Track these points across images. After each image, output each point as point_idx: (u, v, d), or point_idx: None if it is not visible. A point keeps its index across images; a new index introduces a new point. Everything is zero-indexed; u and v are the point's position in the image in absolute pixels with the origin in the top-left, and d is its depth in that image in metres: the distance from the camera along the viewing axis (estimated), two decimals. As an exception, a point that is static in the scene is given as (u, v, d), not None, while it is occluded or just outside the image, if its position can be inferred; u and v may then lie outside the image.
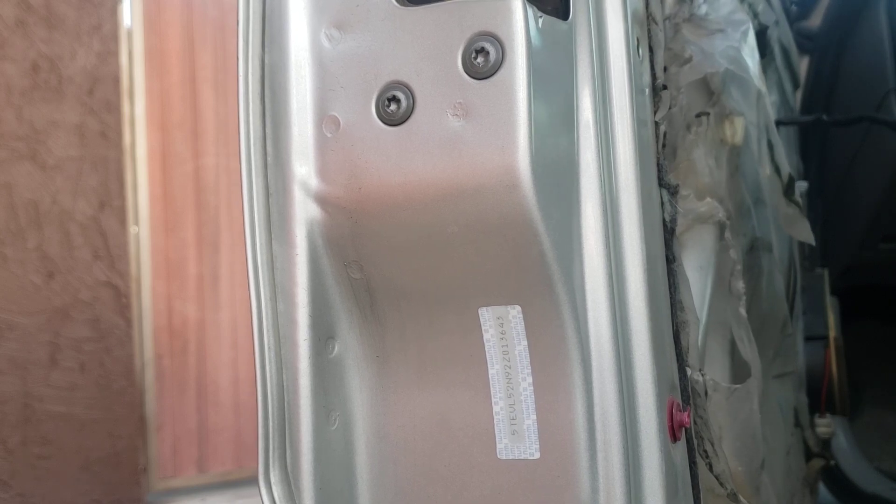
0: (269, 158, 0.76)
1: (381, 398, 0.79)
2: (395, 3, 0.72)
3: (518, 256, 0.69)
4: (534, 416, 0.72)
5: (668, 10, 1.16)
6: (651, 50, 0.85)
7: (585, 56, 0.74)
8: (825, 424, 2.42)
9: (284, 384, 0.75)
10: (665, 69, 1.11)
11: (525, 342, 0.72)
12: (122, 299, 3.73)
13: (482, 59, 0.67)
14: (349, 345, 0.78)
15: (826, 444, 2.48)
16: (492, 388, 0.74)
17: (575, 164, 0.73)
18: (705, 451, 0.91)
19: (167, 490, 4.35)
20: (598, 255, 0.73)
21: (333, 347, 0.78)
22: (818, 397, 2.41)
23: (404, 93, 0.70)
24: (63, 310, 3.53)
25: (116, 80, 3.79)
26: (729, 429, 1.04)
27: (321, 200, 0.75)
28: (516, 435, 0.73)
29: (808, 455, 2.33)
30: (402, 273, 0.75)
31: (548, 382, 0.72)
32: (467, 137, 0.68)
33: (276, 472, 0.74)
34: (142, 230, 4.23)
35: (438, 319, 0.75)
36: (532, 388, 0.72)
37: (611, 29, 0.76)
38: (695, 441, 0.89)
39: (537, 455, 0.72)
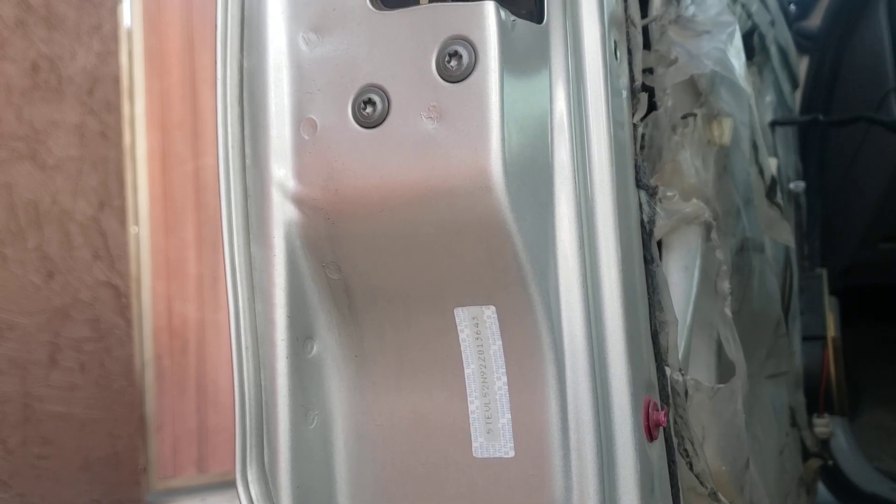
0: (247, 161, 0.77)
1: (359, 397, 0.80)
2: (371, 7, 0.73)
3: (492, 257, 0.70)
4: (508, 415, 0.74)
5: (655, 12, 1.17)
6: (630, 52, 0.86)
7: (560, 59, 0.75)
8: (823, 424, 2.43)
9: (262, 384, 0.76)
10: (652, 71, 1.13)
11: (500, 342, 0.73)
12: (122, 299, 3.74)
13: (455, 63, 0.68)
14: (328, 345, 0.80)
15: (824, 444, 2.49)
16: (467, 388, 0.75)
17: (549, 165, 0.74)
18: (685, 451, 0.92)
19: (167, 490, 4.37)
20: (572, 257, 0.74)
21: (312, 347, 0.79)
22: (816, 397, 2.42)
23: (380, 96, 0.71)
24: (63, 310, 3.54)
25: (116, 80, 3.80)
26: (713, 428, 1.05)
27: (298, 202, 0.76)
28: (491, 433, 0.74)
29: (806, 455, 2.33)
30: (380, 274, 0.76)
31: (522, 382, 0.73)
32: (441, 140, 0.69)
33: (253, 470, 0.75)
34: (142, 230, 4.24)
35: (416, 319, 0.77)
36: (506, 387, 0.73)
37: (586, 32, 0.77)
38: (675, 440, 0.90)
39: (512, 453, 0.74)
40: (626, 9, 0.85)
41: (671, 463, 0.87)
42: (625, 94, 0.84)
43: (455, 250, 0.72)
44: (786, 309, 2.08)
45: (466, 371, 0.75)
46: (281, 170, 0.76)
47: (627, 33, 0.86)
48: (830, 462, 2.59)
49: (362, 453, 0.80)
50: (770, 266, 1.69)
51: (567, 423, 0.73)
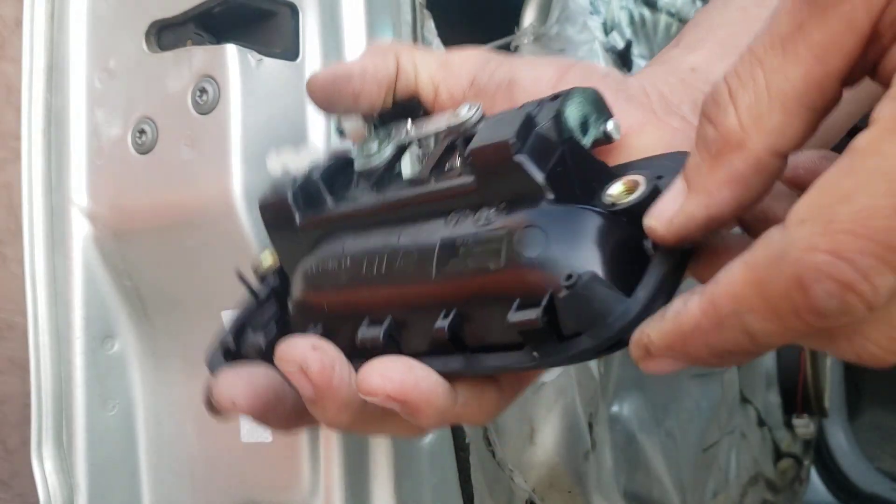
0: (53, 182, 0.95)
1: (156, 389, 0.96)
2: (147, 50, 0.90)
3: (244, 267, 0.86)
4: (267, 405, 0.89)
5: (524, 26, 1.31)
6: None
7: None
8: (803, 425, 2.50)
9: (61, 375, 0.94)
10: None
11: (260, 341, 0.88)
12: (122, 299, 3.94)
13: (205, 98, 0.84)
14: (129, 343, 0.96)
15: (807, 444, 2.56)
16: None
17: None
18: (487, 440, 1.06)
19: (168, 490, 4.56)
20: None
21: (113, 345, 0.96)
22: (793, 397, 2.50)
23: (150, 126, 0.88)
24: (62, 310, 3.74)
25: (115, 80, 3.99)
26: (544, 422, 1.18)
27: (93, 219, 0.93)
28: (254, 421, 0.89)
29: (778, 456, 2.41)
30: (161, 282, 0.92)
31: None
32: (195, 166, 0.84)
33: (48, 448, 0.95)
34: (142, 230, 4.44)
35: (195, 322, 0.92)
36: (265, 381, 0.88)
37: (350, 63, 0.91)
38: (469, 430, 1.04)
39: (270, 439, 0.88)
40: (414, 40, 0.99)
41: (459, 450, 1.01)
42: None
43: (216, 261, 0.87)
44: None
45: (236, 366, 0.90)
46: (80, 190, 0.94)
47: None
48: (808, 463, 2.66)
49: (161, 438, 0.96)
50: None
51: (318, 410, 0.87)
